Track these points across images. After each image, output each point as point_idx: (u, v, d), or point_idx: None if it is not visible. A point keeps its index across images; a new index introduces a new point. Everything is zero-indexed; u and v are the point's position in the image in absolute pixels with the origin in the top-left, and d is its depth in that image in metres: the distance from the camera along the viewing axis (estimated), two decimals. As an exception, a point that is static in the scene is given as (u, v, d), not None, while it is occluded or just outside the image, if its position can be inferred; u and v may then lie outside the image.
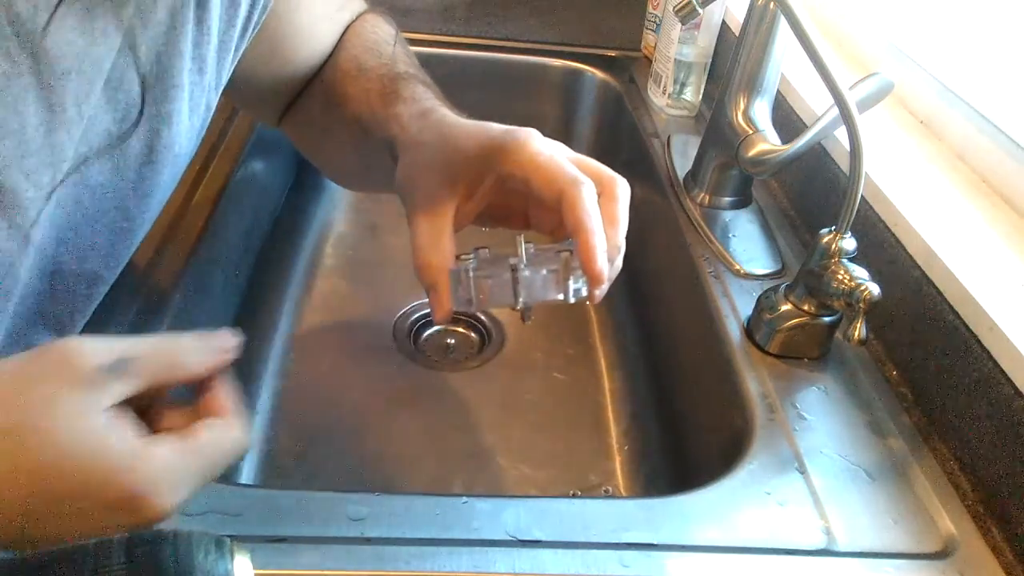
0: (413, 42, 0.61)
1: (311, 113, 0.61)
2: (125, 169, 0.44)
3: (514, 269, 0.43)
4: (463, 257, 0.45)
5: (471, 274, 0.44)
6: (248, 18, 0.50)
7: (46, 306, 0.45)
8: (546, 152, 0.43)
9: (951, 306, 0.56)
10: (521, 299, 0.44)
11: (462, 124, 0.47)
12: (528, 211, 0.48)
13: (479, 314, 0.90)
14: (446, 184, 0.45)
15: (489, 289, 0.44)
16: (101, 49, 0.40)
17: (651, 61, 1.01)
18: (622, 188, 0.45)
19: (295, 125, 0.63)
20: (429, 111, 0.49)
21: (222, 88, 0.51)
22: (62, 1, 0.37)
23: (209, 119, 0.51)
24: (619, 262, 0.45)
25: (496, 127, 0.46)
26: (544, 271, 0.44)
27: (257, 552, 0.42)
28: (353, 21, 0.61)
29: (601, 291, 0.44)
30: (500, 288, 0.44)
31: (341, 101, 0.56)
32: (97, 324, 0.57)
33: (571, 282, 0.44)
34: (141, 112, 0.43)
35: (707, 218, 0.77)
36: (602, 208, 0.44)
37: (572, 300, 0.44)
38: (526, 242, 0.45)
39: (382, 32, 0.60)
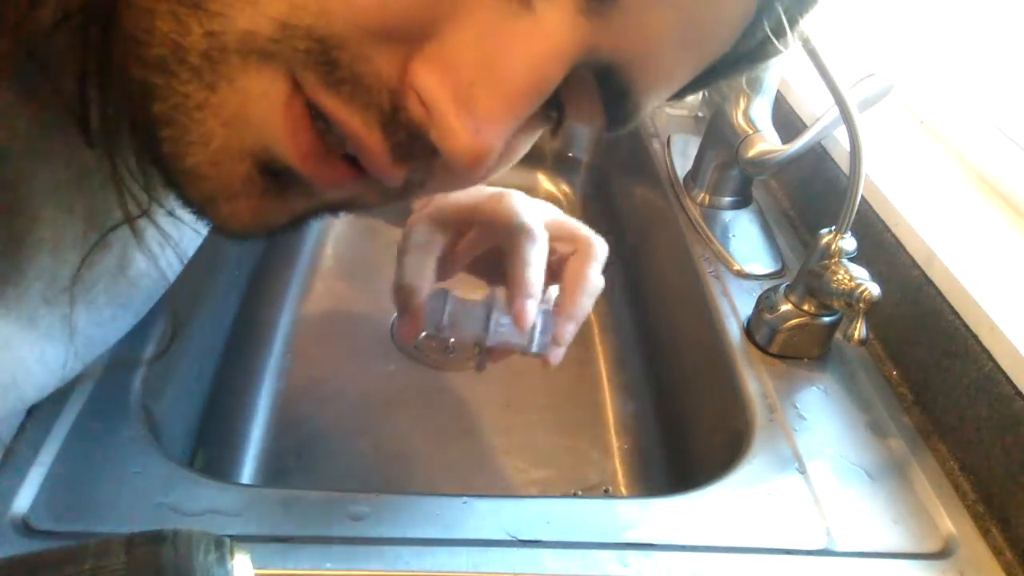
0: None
1: None
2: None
3: (489, 306, 0.47)
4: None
5: (448, 298, 0.48)
6: None
7: None
8: (517, 207, 0.47)
9: (951, 306, 0.56)
10: (488, 336, 0.47)
11: None
12: None
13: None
14: (437, 227, 0.49)
15: (461, 318, 0.48)
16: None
17: (651, 61, 1.01)
18: (598, 249, 0.49)
19: None
20: None
21: None
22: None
23: None
24: (572, 330, 0.48)
25: (489, 188, 0.49)
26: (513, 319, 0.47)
27: (257, 552, 0.42)
28: None
29: (557, 355, 0.47)
30: (472, 320, 0.47)
31: None
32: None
33: (537, 333, 0.47)
34: None
35: (707, 218, 0.77)
36: (571, 266, 0.48)
37: (534, 351, 0.47)
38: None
39: None
